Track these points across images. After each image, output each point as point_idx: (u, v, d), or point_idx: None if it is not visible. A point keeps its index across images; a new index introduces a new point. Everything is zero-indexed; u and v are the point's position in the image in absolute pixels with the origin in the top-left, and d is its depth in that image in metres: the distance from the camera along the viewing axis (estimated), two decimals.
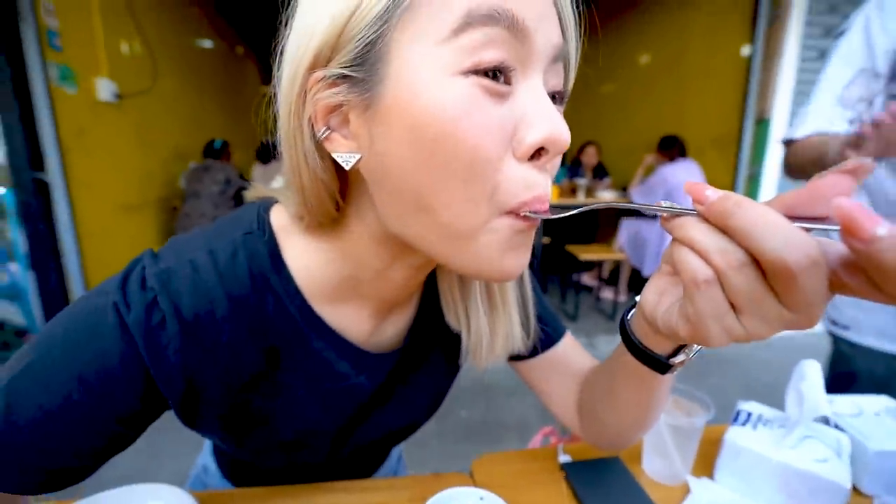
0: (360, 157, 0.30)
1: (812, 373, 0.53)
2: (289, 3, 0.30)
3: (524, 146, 0.27)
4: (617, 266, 3.38)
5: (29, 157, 2.19)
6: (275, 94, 0.31)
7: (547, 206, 0.29)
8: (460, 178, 0.27)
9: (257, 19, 4.99)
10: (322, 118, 0.29)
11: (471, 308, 0.42)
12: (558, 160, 0.30)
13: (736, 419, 0.58)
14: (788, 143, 0.88)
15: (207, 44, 4.43)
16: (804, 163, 0.83)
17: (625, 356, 0.37)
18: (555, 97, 0.30)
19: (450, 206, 0.28)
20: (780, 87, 2.72)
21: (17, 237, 2.35)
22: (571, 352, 0.52)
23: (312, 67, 0.28)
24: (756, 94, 2.91)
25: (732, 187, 3.08)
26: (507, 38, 0.26)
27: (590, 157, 3.99)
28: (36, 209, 2.27)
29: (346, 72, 0.27)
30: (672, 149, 3.05)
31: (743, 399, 0.63)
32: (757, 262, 0.21)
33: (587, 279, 3.75)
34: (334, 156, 0.30)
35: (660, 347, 0.34)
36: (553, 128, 0.27)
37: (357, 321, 0.40)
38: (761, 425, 0.56)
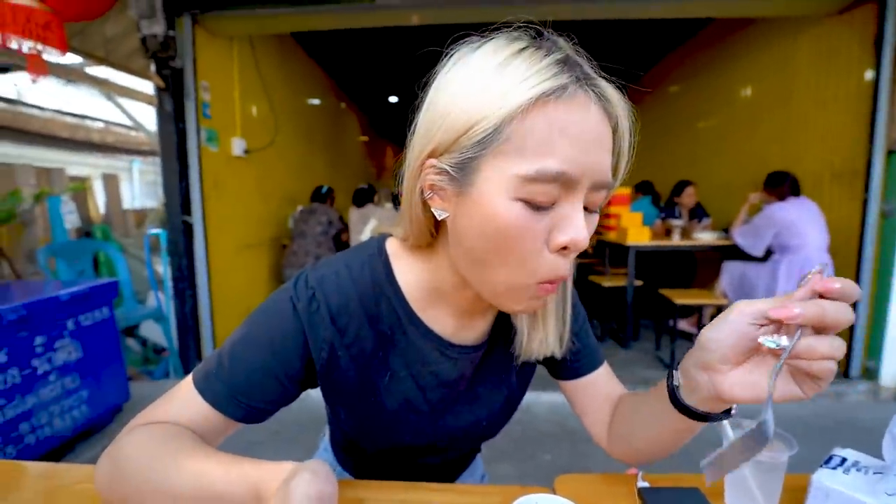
0: (447, 216, 0.43)
1: None
2: (425, 84, 0.44)
3: (554, 244, 0.40)
4: (719, 312, 3.09)
5: (181, 203, 2.65)
6: (405, 156, 0.45)
7: (561, 280, 0.42)
8: (506, 261, 0.41)
9: (359, 77, 5.60)
10: (428, 186, 0.43)
11: (519, 317, 0.55)
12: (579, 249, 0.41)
13: (827, 462, 0.54)
14: None
15: (316, 101, 5.06)
16: None
17: (670, 410, 0.46)
18: (588, 207, 0.42)
19: (497, 275, 0.42)
20: None
21: (165, 270, 2.81)
22: (607, 378, 0.61)
23: (430, 155, 0.42)
24: (885, 123, 2.59)
25: (861, 225, 2.70)
26: (560, 187, 0.38)
27: (688, 197, 3.76)
28: (181, 247, 2.71)
29: (449, 170, 0.41)
30: (781, 186, 2.79)
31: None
32: None
33: (685, 325, 3.45)
34: (432, 209, 0.44)
35: (710, 408, 0.44)
36: (575, 234, 0.39)
37: (442, 321, 0.53)
38: (854, 470, 0.52)
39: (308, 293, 0.48)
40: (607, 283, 3.44)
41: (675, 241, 3.28)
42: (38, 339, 1.81)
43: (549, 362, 0.61)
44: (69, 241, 3.03)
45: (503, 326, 0.57)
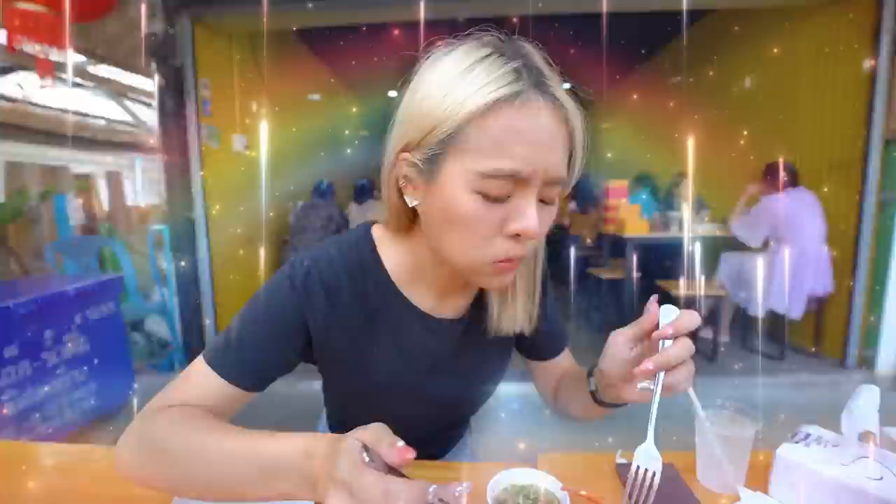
0: (418, 203, 0.50)
1: (867, 394, 0.54)
2: (403, 83, 0.49)
3: (507, 231, 0.46)
4: (717, 303, 3.10)
5: (183, 199, 2.69)
6: (383, 149, 0.51)
7: (517, 261, 0.48)
8: (464, 243, 0.47)
9: (360, 72, 5.59)
10: (402, 177, 0.49)
11: (489, 295, 0.61)
12: (538, 237, 0.46)
13: (793, 437, 0.58)
14: None
15: (317, 96, 5.08)
16: None
17: (592, 401, 0.59)
18: (544, 200, 0.47)
19: (458, 254, 0.48)
20: None
21: (169, 266, 2.86)
22: (565, 360, 0.72)
23: (403, 150, 0.48)
24: (883, 113, 2.59)
25: (858, 215, 2.72)
26: (514, 183, 0.44)
27: (685, 189, 3.78)
28: (184, 243, 2.76)
29: (418, 164, 0.46)
30: (779, 176, 2.79)
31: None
32: None
33: None
34: (405, 196, 0.50)
35: (621, 401, 0.56)
36: (526, 224, 0.44)
37: (423, 297, 0.59)
38: (815, 443, 0.56)
39: (304, 270, 0.53)
40: (606, 275, 3.47)
41: (674, 233, 3.30)
42: (48, 333, 1.86)
43: (521, 341, 0.69)
44: (75, 237, 3.09)
45: (481, 305, 0.62)
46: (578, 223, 4.68)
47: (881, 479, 0.49)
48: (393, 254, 0.57)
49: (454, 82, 0.43)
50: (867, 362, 2.75)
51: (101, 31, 2.58)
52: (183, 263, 2.80)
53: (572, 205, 4.65)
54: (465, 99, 0.42)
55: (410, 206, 0.50)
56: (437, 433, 0.71)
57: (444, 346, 0.61)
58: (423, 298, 0.58)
